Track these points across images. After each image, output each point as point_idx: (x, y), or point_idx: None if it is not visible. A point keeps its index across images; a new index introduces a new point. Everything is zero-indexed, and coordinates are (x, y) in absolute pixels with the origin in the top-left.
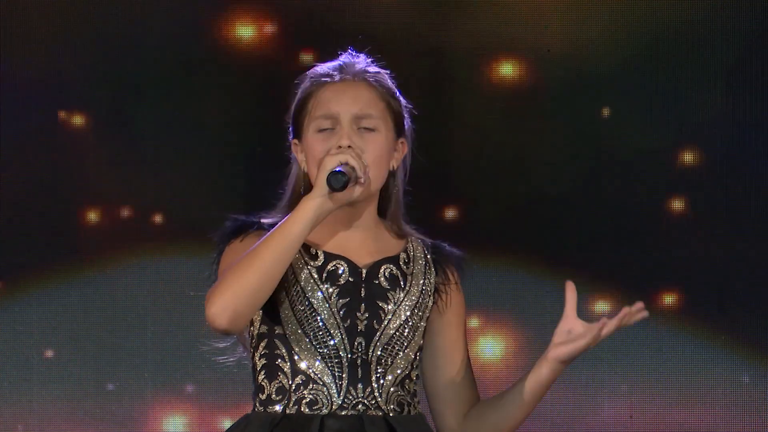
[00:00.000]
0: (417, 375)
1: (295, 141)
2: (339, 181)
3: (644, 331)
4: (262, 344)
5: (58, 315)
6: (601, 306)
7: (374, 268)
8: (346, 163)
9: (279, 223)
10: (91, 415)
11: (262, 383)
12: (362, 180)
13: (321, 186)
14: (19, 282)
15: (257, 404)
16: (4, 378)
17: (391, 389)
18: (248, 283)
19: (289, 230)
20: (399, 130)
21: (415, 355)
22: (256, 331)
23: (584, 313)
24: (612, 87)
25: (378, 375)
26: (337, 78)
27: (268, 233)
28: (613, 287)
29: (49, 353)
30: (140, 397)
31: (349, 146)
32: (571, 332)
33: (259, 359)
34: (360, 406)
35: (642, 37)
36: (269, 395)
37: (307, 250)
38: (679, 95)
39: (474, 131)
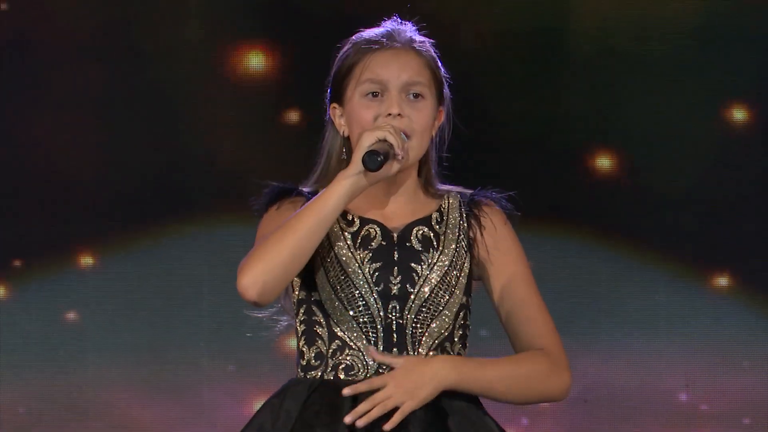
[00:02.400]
0: (462, 335)
1: (335, 105)
2: (374, 161)
3: (700, 301)
4: (302, 310)
5: (114, 284)
6: (664, 276)
7: (406, 230)
8: (384, 140)
9: (313, 198)
10: (146, 383)
11: (303, 349)
12: (400, 156)
13: (357, 163)
14: (75, 251)
15: (299, 370)
16: (60, 346)
17: (430, 353)
18: (279, 257)
19: (323, 205)
20: (440, 99)
21: (457, 315)
22: (296, 298)
23: (646, 283)
24: None
25: (414, 339)
26: (386, 45)
27: (300, 208)
28: (669, 256)
29: (102, 321)
30: (195, 366)
31: (399, 114)
32: None
33: (299, 325)
34: None
35: None
36: (309, 361)
37: (344, 216)
38: None
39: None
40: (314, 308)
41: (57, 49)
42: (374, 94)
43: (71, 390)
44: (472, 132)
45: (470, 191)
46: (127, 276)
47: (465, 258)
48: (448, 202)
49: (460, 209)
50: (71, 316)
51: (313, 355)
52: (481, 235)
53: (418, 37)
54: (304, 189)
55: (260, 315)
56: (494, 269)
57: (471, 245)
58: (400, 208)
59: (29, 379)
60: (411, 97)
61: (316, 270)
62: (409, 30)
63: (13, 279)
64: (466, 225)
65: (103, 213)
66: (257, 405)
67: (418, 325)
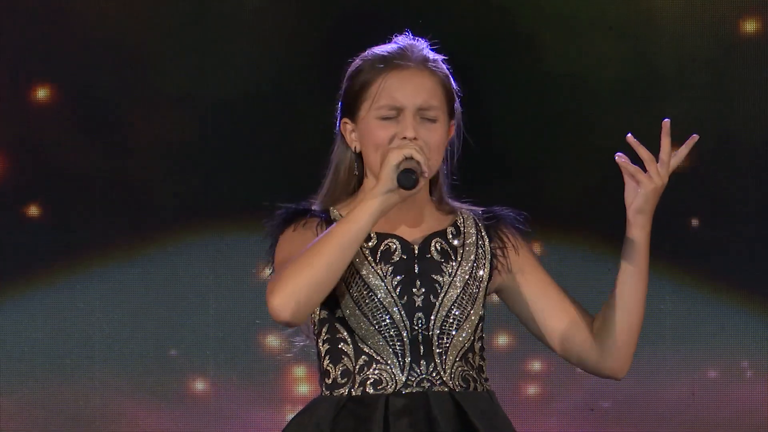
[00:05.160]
0: (480, 347)
1: (346, 120)
2: (410, 180)
3: (706, 310)
4: (324, 329)
5: (120, 292)
6: (670, 285)
7: (425, 243)
8: (411, 157)
9: (343, 218)
10: (152, 393)
11: (328, 368)
12: (426, 174)
13: (386, 181)
14: (81, 259)
15: (324, 389)
16: (66, 355)
17: (455, 364)
18: (311, 277)
19: (354, 224)
20: (451, 114)
21: (477, 327)
22: (317, 318)
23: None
24: None
25: (441, 350)
26: (401, 64)
27: (332, 227)
28: (675, 265)
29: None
30: (202, 374)
31: (414, 138)
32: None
33: (323, 344)
34: (425, 383)
35: None
36: (335, 379)
37: None
38: None
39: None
40: (338, 326)
41: None
42: (390, 117)
43: (77, 399)
44: (482, 142)
45: (480, 209)
46: (133, 284)
47: (485, 271)
48: (463, 218)
49: (477, 225)
50: (77, 324)
51: (339, 372)
52: (505, 254)
53: (431, 55)
54: (316, 208)
55: (275, 340)
56: (521, 276)
57: (493, 259)
58: (415, 222)
59: (35, 388)
60: (425, 119)
61: (338, 287)
62: (422, 47)
63: (20, 287)
64: (487, 240)
65: (109, 220)
66: (264, 413)
67: (444, 336)
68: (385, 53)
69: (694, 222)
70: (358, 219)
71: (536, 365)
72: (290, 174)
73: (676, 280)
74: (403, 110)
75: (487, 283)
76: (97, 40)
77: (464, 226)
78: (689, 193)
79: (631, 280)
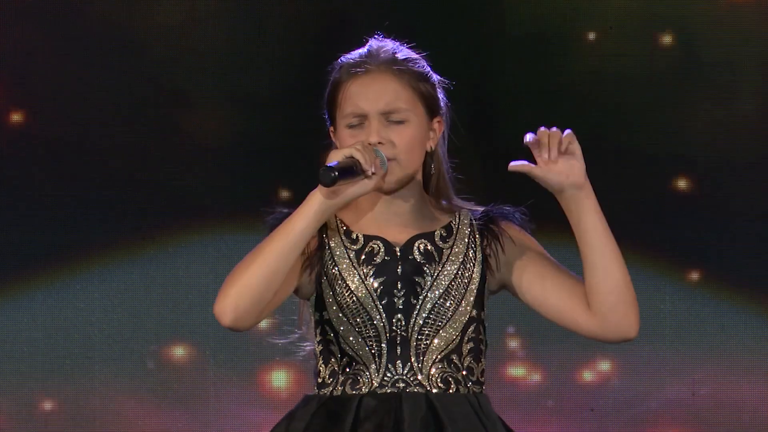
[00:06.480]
0: (473, 349)
1: (332, 129)
2: (327, 177)
3: (706, 309)
4: (318, 331)
5: (120, 292)
6: (670, 284)
7: (408, 244)
8: (351, 156)
9: (283, 222)
10: (152, 393)
11: (320, 367)
12: (370, 172)
13: None
14: (81, 259)
15: (315, 387)
16: (66, 355)
17: (434, 365)
18: (251, 280)
19: (291, 227)
20: (433, 111)
21: (466, 328)
22: (313, 320)
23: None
24: None
25: (419, 351)
26: (362, 70)
27: (273, 231)
28: (675, 265)
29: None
30: (202, 374)
31: (379, 143)
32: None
33: (317, 345)
34: (400, 384)
35: None
36: (324, 378)
37: (348, 235)
38: None
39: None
40: (326, 327)
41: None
42: (356, 125)
43: (78, 399)
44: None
45: (481, 208)
46: (134, 284)
47: (475, 271)
48: (459, 219)
49: (471, 225)
50: (77, 324)
51: (328, 372)
52: (502, 251)
53: (400, 55)
54: None
55: (283, 341)
56: (520, 267)
57: (486, 259)
58: (404, 224)
59: (35, 387)
60: (392, 122)
61: (324, 290)
62: (388, 48)
63: (20, 286)
64: (479, 239)
65: (109, 220)
66: (263, 414)
67: (423, 338)
68: (352, 58)
69: (695, 221)
70: (294, 224)
71: (537, 365)
72: (291, 174)
73: (676, 280)
74: (366, 116)
75: (482, 285)
76: (98, 40)
77: (458, 227)
78: (689, 191)
79: (597, 242)
